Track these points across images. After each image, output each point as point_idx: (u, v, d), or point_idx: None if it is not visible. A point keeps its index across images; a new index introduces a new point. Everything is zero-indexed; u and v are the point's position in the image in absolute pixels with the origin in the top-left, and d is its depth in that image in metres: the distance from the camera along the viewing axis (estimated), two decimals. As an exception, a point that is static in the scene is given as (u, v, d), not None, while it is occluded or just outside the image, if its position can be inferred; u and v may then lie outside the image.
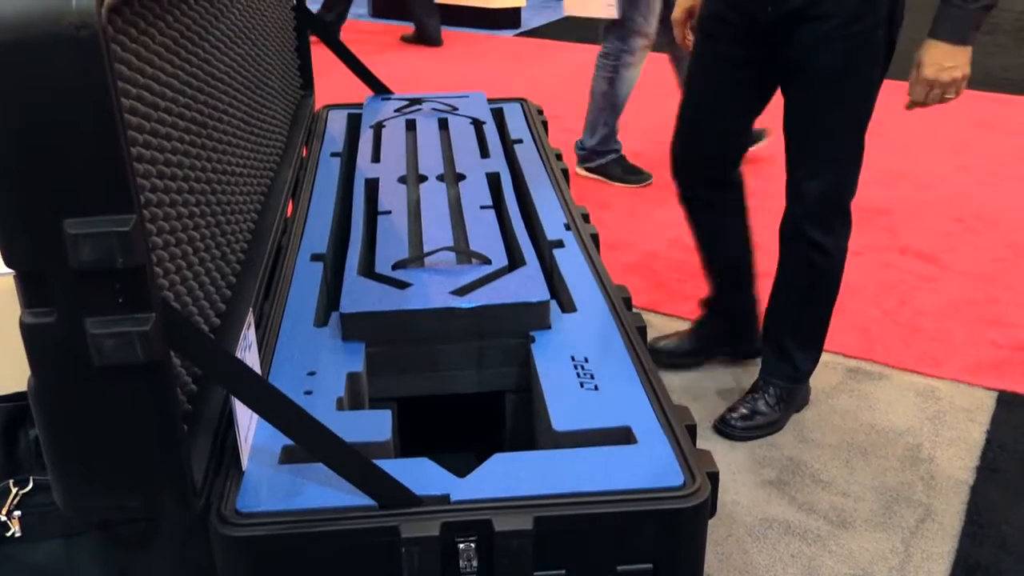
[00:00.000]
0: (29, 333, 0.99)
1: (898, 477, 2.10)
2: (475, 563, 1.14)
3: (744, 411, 2.21)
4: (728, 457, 2.15)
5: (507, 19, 6.09)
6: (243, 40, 1.78)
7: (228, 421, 1.26)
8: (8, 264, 0.97)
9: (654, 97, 4.50)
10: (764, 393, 2.22)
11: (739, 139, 2.17)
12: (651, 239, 3.17)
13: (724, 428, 2.20)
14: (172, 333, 1.03)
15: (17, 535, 1.46)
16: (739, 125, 2.14)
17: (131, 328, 0.99)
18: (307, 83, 2.48)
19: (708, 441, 2.19)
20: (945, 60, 1.82)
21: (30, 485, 1.46)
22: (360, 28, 6.14)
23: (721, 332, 2.44)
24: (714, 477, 1.21)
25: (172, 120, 1.27)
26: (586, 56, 5.40)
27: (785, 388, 2.22)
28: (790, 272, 2.14)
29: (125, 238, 0.96)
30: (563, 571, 1.19)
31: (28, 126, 0.92)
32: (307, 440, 1.13)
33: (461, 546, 1.14)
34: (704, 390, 2.38)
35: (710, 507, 1.21)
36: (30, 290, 0.98)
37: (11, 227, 0.95)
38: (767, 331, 2.23)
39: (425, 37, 5.72)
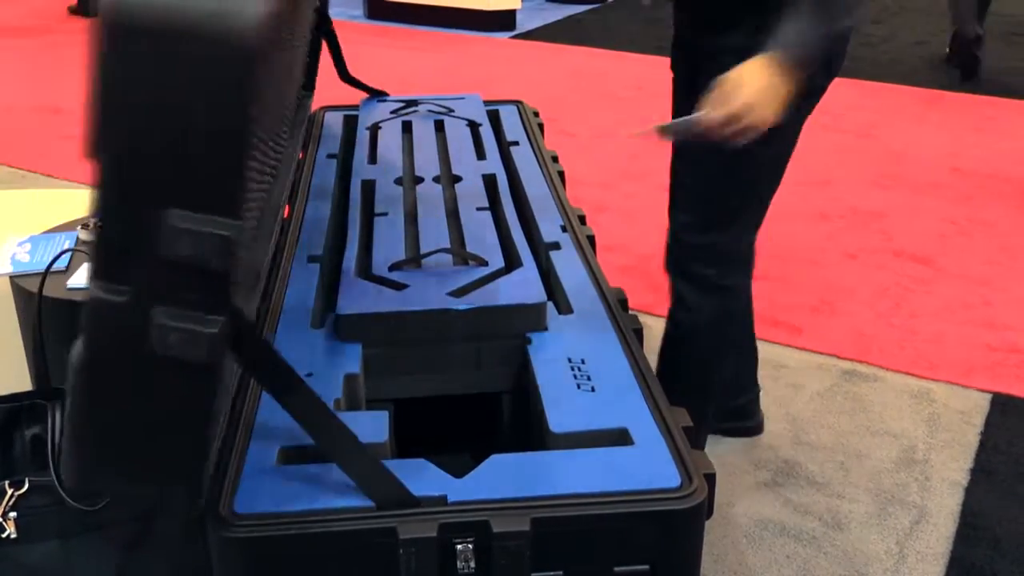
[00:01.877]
0: (95, 306, 0.98)
1: (893, 479, 2.10)
2: (472, 564, 1.14)
3: None
4: (724, 459, 2.15)
5: (502, 21, 6.10)
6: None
7: (228, 423, 1.26)
8: (98, 232, 0.97)
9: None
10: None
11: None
12: (647, 241, 3.17)
13: None
14: (235, 337, 1.03)
15: (13, 536, 1.46)
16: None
17: (200, 328, 0.99)
18: (309, 84, 2.47)
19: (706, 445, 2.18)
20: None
21: (26, 486, 1.46)
22: (355, 29, 6.14)
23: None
24: (711, 478, 1.21)
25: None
26: (581, 58, 5.41)
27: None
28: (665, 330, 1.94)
29: (226, 243, 0.96)
30: (560, 572, 1.19)
31: (169, 108, 0.92)
32: (322, 435, 1.14)
33: (459, 547, 1.14)
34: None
35: (707, 508, 1.21)
36: (109, 265, 0.97)
37: (116, 199, 0.95)
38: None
39: (83, 7, 6.19)
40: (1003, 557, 1.88)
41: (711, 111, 1.47)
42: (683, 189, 1.85)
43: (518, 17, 6.31)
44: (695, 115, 1.49)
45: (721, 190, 1.76)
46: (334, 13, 6.07)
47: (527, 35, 6.00)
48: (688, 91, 1.86)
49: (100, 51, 0.91)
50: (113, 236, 0.96)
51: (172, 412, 1.04)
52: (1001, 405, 2.35)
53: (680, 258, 1.84)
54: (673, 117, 1.95)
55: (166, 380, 1.02)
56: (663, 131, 1.55)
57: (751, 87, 1.45)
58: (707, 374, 1.92)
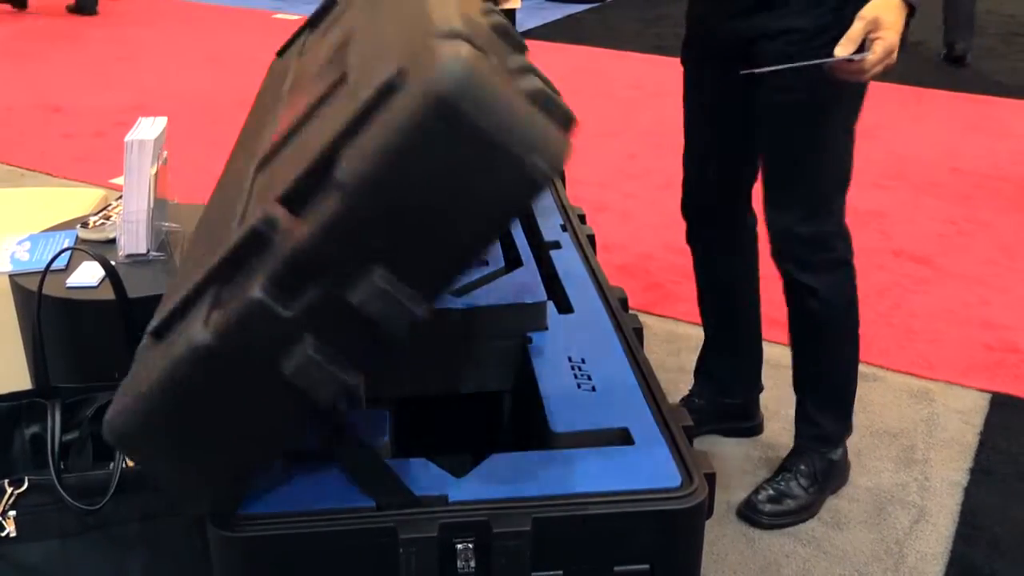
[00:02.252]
0: (255, 308, 0.98)
1: (892, 478, 2.10)
2: (473, 564, 1.14)
3: (772, 493, 1.97)
4: (724, 458, 2.15)
5: (501, 20, 6.09)
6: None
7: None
8: (297, 248, 0.97)
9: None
10: (795, 472, 1.98)
11: (745, 170, 1.97)
12: (646, 241, 3.17)
13: (750, 514, 1.96)
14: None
15: (12, 535, 1.46)
16: (743, 153, 1.94)
17: (339, 374, 1.00)
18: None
19: (706, 444, 2.19)
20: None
21: (25, 485, 1.45)
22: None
23: (710, 406, 2.19)
24: (711, 478, 1.21)
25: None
26: (581, 58, 5.40)
27: (819, 461, 1.99)
28: (791, 322, 1.95)
29: (410, 316, 0.97)
30: (560, 572, 1.19)
31: (444, 189, 0.94)
32: (323, 434, 1.14)
33: (459, 547, 1.14)
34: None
35: (707, 508, 1.21)
36: (289, 279, 0.98)
37: (339, 230, 0.95)
38: (795, 389, 2.03)
39: (81, 6, 6.23)
40: (1002, 556, 1.88)
41: (874, 50, 1.56)
42: (779, 190, 1.83)
43: (518, 16, 6.31)
44: (857, 55, 1.57)
45: (818, 177, 1.80)
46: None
47: (527, 34, 6.00)
48: (718, 84, 1.87)
49: (418, 111, 0.91)
50: (310, 257, 0.97)
51: (258, 427, 1.06)
52: (1000, 404, 2.36)
53: (799, 254, 1.85)
54: (692, 115, 1.96)
55: (274, 400, 1.03)
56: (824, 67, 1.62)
57: (890, 22, 1.56)
58: (855, 349, 1.96)
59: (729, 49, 1.80)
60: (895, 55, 1.58)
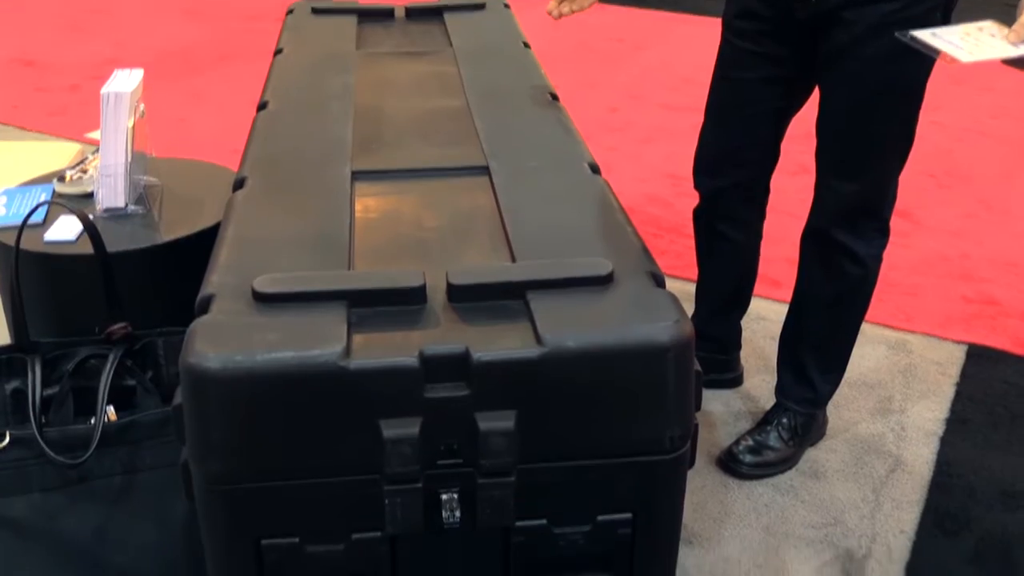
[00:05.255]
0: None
1: (869, 429, 2.13)
2: (458, 514, 1.15)
3: (751, 443, 2.01)
4: (705, 410, 2.17)
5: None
6: None
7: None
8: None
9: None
10: (777, 425, 2.02)
11: (771, 145, 1.95)
12: (627, 195, 3.17)
13: (730, 463, 1.99)
14: None
15: (-5, 490, 1.45)
16: (771, 128, 1.92)
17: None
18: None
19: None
20: None
21: (6, 439, 1.45)
22: None
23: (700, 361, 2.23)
24: (694, 429, 1.22)
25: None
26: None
27: (800, 417, 2.02)
28: (816, 284, 1.93)
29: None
30: (544, 521, 1.20)
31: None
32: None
33: (444, 497, 1.15)
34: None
35: (689, 459, 1.22)
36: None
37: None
38: (785, 350, 2.04)
39: None
40: (977, 504, 1.91)
41: None
42: (851, 159, 1.79)
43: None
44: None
45: (896, 148, 1.79)
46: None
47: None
48: (778, 57, 1.81)
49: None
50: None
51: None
52: (976, 356, 2.38)
53: (856, 221, 1.83)
54: (731, 87, 1.90)
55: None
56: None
57: None
58: (861, 320, 1.98)
59: (809, 19, 1.73)
60: None
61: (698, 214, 2.08)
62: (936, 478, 1.98)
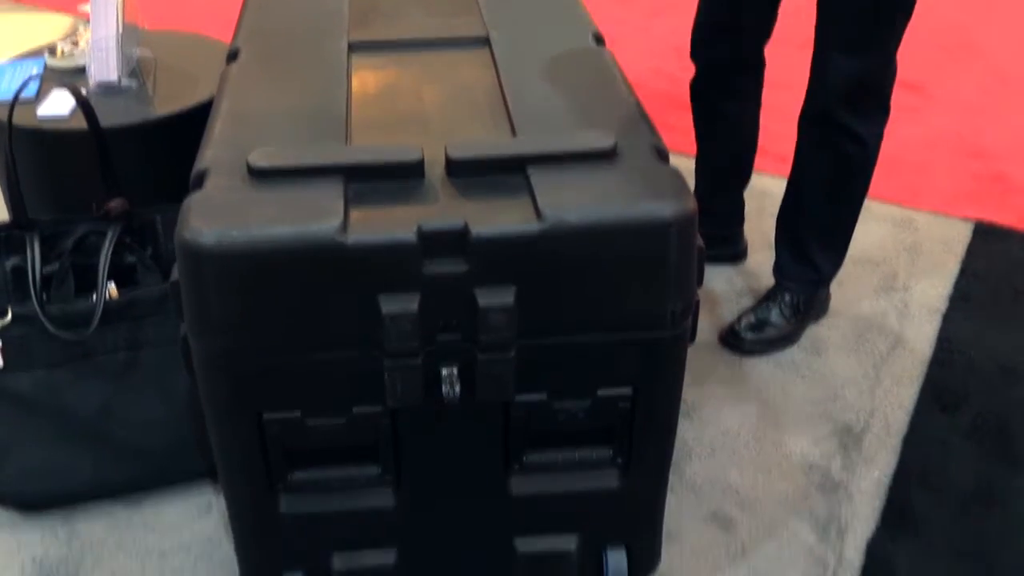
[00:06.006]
0: None
1: (872, 306, 2.13)
2: (457, 388, 1.16)
3: (753, 320, 2.00)
4: (708, 286, 2.17)
5: None
6: None
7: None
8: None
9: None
10: (779, 301, 2.00)
11: (767, 13, 1.91)
12: (634, 69, 3.09)
13: (732, 339, 1.99)
14: None
15: (0, 365, 1.47)
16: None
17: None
18: None
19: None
20: None
21: (8, 316, 1.45)
22: None
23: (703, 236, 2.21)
24: (695, 305, 1.21)
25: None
26: None
27: (803, 294, 2.00)
28: (816, 164, 1.89)
29: None
30: (544, 395, 1.21)
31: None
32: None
33: (444, 372, 1.15)
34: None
35: (690, 334, 1.22)
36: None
37: None
38: (784, 231, 2.01)
39: None
40: (976, 378, 1.92)
41: None
42: (854, 35, 1.72)
43: None
44: None
45: (895, 22, 1.71)
46: None
47: None
48: None
49: None
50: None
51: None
52: (983, 233, 2.36)
53: (857, 99, 1.77)
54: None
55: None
56: None
57: None
58: (863, 198, 1.94)
59: None
60: None
61: (695, 86, 2.04)
62: (936, 355, 1.99)
